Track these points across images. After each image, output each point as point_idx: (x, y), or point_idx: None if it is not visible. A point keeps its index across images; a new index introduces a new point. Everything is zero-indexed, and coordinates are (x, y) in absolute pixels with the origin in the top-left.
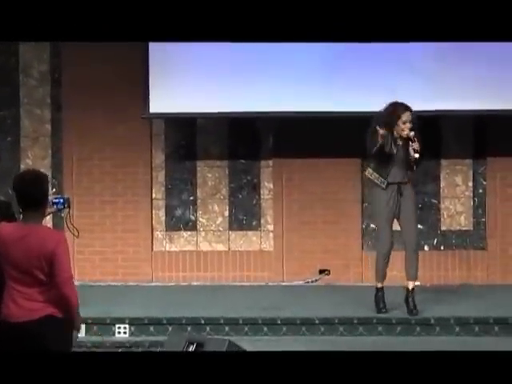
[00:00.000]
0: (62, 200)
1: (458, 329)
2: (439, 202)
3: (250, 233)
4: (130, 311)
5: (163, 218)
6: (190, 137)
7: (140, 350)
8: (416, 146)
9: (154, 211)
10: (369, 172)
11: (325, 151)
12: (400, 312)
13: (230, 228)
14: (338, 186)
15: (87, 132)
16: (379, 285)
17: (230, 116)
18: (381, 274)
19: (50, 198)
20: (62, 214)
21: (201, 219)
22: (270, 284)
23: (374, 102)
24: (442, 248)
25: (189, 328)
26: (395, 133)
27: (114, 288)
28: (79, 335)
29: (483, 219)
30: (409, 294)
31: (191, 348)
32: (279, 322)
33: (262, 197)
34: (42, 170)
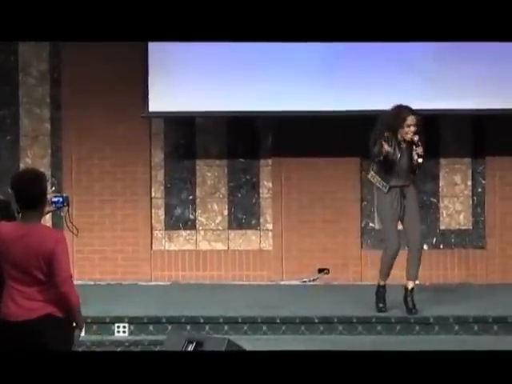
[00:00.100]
0: (61, 199)
1: (457, 328)
2: (438, 201)
3: (249, 232)
4: (129, 310)
5: (162, 217)
6: (190, 136)
7: (139, 349)
8: (420, 150)
9: (153, 210)
10: (371, 175)
11: (324, 150)
12: (399, 311)
13: (230, 227)
14: (337, 185)
15: (86, 131)
16: (382, 282)
17: (229, 115)
18: (385, 273)
19: (49, 196)
20: (62, 213)
21: (200, 218)
22: (269, 283)
23: (373, 102)
24: (441, 247)
25: (188, 327)
26: (399, 136)
27: (113, 287)
28: (81, 334)
29: (482, 218)
30: (408, 293)
31: (190, 347)
32: (278, 320)
33: (261, 196)
34: (42, 169)
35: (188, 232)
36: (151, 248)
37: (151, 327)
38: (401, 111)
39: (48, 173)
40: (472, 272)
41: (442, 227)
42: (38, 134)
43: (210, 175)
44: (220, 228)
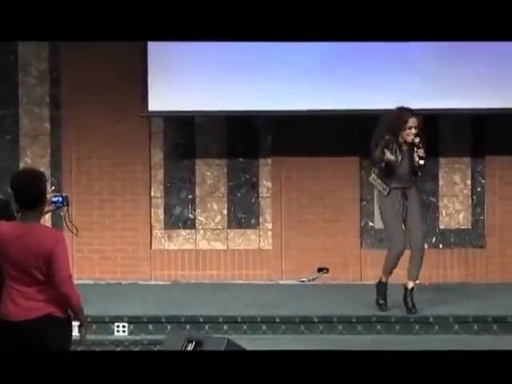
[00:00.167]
0: (60, 198)
1: (456, 327)
2: (438, 201)
3: (248, 231)
4: (128, 310)
5: (162, 217)
6: (189, 135)
7: (139, 348)
8: (421, 152)
9: (152, 210)
10: (373, 178)
11: (323, 150)
12: (399, 310)
13: (229, 226)
14: (336, 185)
15: (86, 131)
16: (384, 279)
17: (228, 114)
18: (388, 271)
19: (49, 196)
20: (61, 213)
21: (199, 218)
22: (269, 282)
23: (373, 101)
24: (440, 246)
25: (187, 326)
26: (400, 138)
27: (112, 286)
28: (79, 333)
29: (482, 217)
30: (407, 292)
31: (190, 346)
32: (278, 320)
33: (260, 195)
34: (41, 169)
35: (187, 231)
36: (151, 247)
37: (151, 327)
38: (402, 113)
39: (48, 172)
40: (471, 271)
41: (442, 227)
42: (38, 134)
43: (210, 174)
44: (219, 227)
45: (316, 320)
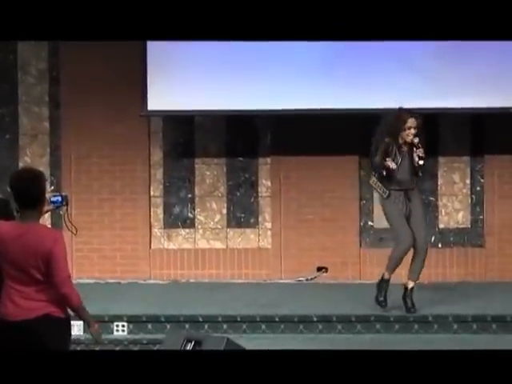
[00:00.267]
0: (60, 198)
1: (456, 326)
2: (437, 200)
3: (247, 230)
4: (128, 309)
5: (161, 216)
6: (188, 134)
7: (138, 347)
8: (420, 152)
9: (152, 209)
10: (373, 181)
11: (323, 149)
12: (398, 310)
13: (228, 226)
14: (336, 184)
15: (85, 130)
16: (386, 276)
17: (227, 114)
18: (392, 268)
19: (48, 195)
20: (61, 212)
21: (199, 217)
22: (268, 281)
23: (373, 100)
24: (439, 246)
25: (187, 326)
26: (400, 139)
27: (112, 286)
28: (78, 333)
29: (481, 217)
30: (407, 292)
31: (189, 346)
32: (277, 319)
33: (259, 194)
34: (41, 168)
35: (187, 231)
36: (150, 247)
37: (150, 326)
38: (401, 114)
39: (47, 172)
40: (471, 270)
41: (441, 226)
42: (37, 133)
43: (209, 174)
44: (219, 227)
45: (315, 319)
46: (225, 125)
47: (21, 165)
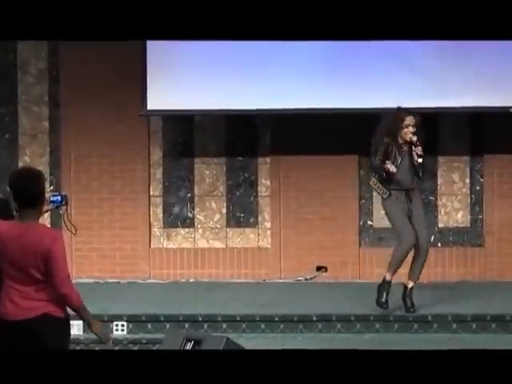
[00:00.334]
0: (59, 197)
1: (455, 326)
2: (436, 199)
3: (247, 230)
4: (127, 308)
5: (161, 215)
6: (188, 134)
7: (138, 347)
8: (419, 150)
9: (151, 208)
10: (373, 182)
11: (322, 148)
12: (398, 309)
13: (228, 225)
14: (335, 183)
15: (85, 129)
16: (388, 277)
17: (227, 113)
18: (395, 268)
19: (48, 195)
20: (60, 212)
21: (198, 216)
22: (268, 281)
23: (373, 100)
24: (439, 245)
25: (186, 325)
26: (399, 139)
27: (111, 285)
28: (78, 332)
29: (480, 216)
30: (407, 291)
31: (189, 345)
32: (277, 319)
33: (259, 194)
34: (40, 168)
35: (186, 230)
36: (149, 246)
37: (149, 325)
38: (399, 113)
39: (47, 171)
40: (470, 270)
41: (440, 225)
42: (37, 133)
43: (209, 173)
44: (218, 226)
45: (315, 319)
46: (224, 124)
47: (20, 164)
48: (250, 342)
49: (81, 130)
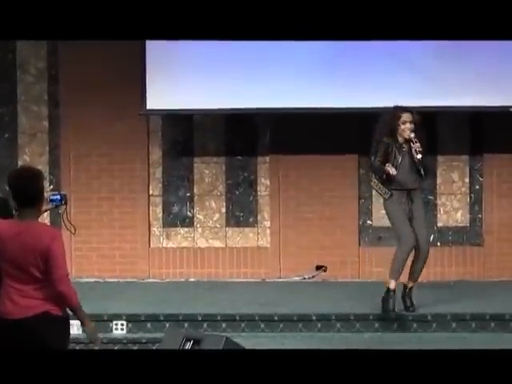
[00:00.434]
0: (59, 197)
1: (454, 325)
2: (436, 199)
3: (246, 229)
4: (127, 308)
5: (160, 215)
6: (187, 133)
7: (137, 346)
8: (417, 146)
9: (151, 208)
10: (374, 182)
11: (322, 148)
12: (397, 309)
13: (227, 224)
14: (335, 183)
15: (85, 129)
16: (392, 285)
17: (227, 112)
18: (397, 272)
19: (47, 194)
20: (60, 211)
21: (198, 216)
22: (267, 280)
23: (373, 100)
24: (438, 244)
25: (186, 325)
26: (399, 138)
27: (111, 284)
28: (77, 332)
29: (480, 215)
30: (406, 291)
31: (188, 345)
32: (276, 318)
33: (258, 193)
34: (40, 167)
35: (186, 229)
36: (149, 245)
37: (149, 325)
38: (395, 110)
39: (46, 170)
40: (469, 269)
41: (440, 224)
42: (36, 132)
43: (208, 173)
44: (218, 225)
45: (314, 318)
46: (224, 123)
47: (20, 163)
48: (250, 341)
49: (80, 130)
